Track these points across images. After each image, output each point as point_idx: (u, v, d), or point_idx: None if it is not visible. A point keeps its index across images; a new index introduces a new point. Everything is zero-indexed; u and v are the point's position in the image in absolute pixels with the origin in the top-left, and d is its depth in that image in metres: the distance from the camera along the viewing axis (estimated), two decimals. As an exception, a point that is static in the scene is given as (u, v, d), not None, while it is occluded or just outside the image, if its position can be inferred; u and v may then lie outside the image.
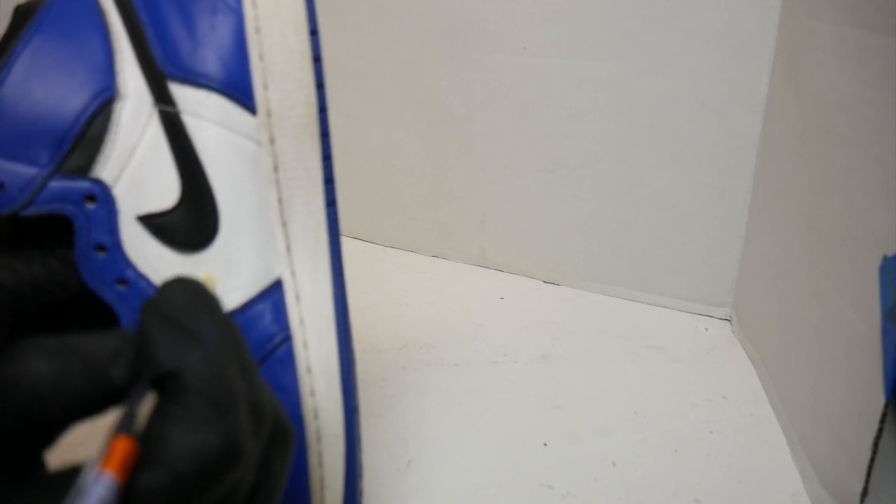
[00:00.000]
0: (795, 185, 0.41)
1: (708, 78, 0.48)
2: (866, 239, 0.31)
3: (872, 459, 0.30)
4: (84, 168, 0.26)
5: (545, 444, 0.39)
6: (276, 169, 0.28)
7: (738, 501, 0.35)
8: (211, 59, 0.27)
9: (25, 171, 0.26)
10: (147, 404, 0.17)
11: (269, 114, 0.27)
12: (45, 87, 0.26)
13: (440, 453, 0.38)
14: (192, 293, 0.20)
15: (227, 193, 0.27)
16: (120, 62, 0.27)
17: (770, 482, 0.37)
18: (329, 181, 0.29)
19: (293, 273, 0.28)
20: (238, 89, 0.27)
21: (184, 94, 0.27)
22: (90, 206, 0.26)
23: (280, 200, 0.28)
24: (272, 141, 0.27)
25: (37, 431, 0.17)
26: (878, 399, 0.29)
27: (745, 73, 0.47)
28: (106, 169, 0.26)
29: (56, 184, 0.26)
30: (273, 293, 0.28)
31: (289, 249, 0.28)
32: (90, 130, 0.26)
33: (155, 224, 0.27)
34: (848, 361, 0.32)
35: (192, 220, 0.27)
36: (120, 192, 0.26)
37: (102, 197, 0.26)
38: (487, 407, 0.42)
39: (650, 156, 0.52)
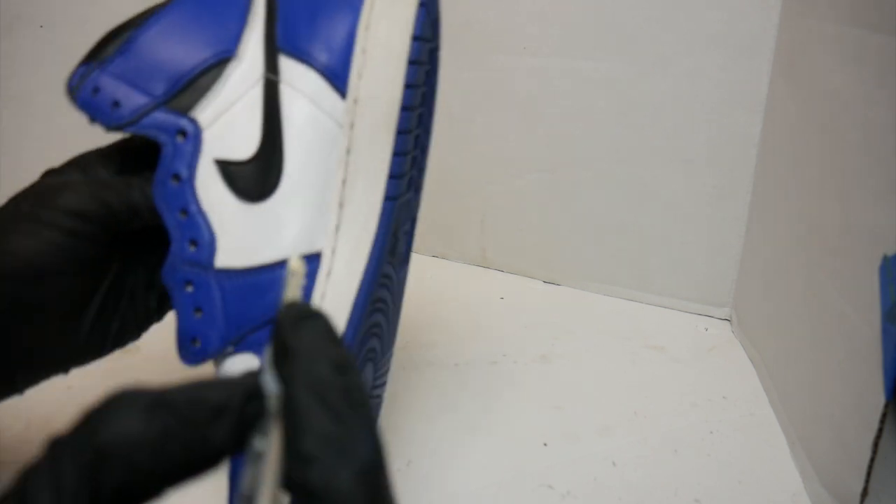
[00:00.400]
0: (795, 184, 0.41)
1: (708, 78, 0.48)
2: (866, 239, 0.31)
3: (872, 459, 0.30)
4: (186, 108, 0.30)
5: (545, 444, 0.39)
6: (348, 152, 0.30)
7: (738, 501, 0.35)
8: (321, 44, 0.31)
9: (141, 98, 0.30)
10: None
11: (356, 101, 0.30)
12: (182, 39, 0.31)
13: (440, 453, 0.38)
14: (351, 379, 0.17)
15: (296, 160, 0.30)
16: (248, 34, 0.31)
17: (770, 482, 0.37)
18: (395, 176, 0.31)
19: (333, 251, 0.30)
20: (336, 74, 0.30)
21: (289, 67, 0.31)
22: (180, 139, 0.30)
23: (343, 182, 0.30)
24: (352, 126, 0.30)
25: (132, 501, 0.15)
26: (878, 399, 0.29)
27: (746, 73, 0.47)
28: (204, 113, 0.30)
29: (160, 115, 0.30)
30: (309, 263, 0.30)
31: (337, 229, 0.30)
32: (202, 80, 0.31)
33: (227, 170, 0.30)
34: (848, 361, 0.32)
35: (258, 175, 0.30)
36: (208, 136, 0.30)
37: (193, 135, 0.30)
38: (487, 407, 0.42)
39: (650, 156, 0.52)
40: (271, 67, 0.31)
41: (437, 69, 0.35)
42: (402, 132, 0.31)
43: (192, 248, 0.30)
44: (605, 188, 0.54)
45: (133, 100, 0.30)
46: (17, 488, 0.15)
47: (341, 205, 0.31)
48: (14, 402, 0.40)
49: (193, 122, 0.30)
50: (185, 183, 0.30)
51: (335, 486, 0.15)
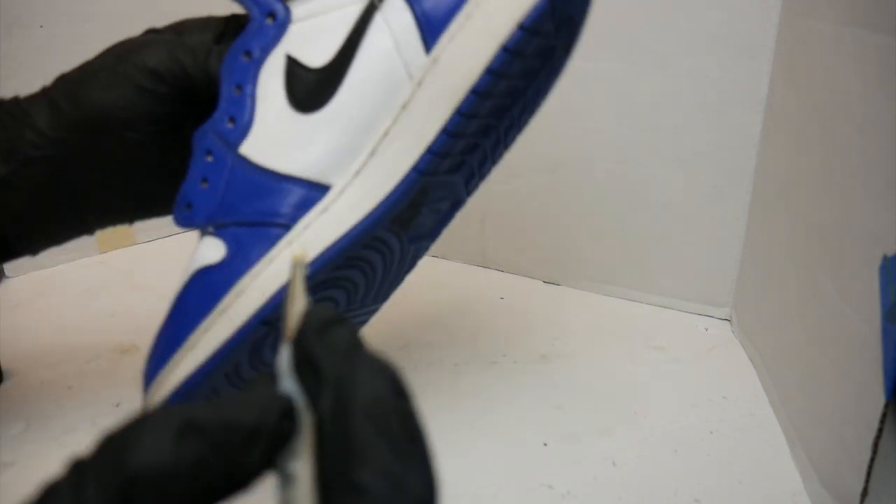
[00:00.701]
0: (795, 184, 0.41)
1: (708, 78, 0.48)
2: (866, 238, 0.31)
3: (872, 459, 0.30)
4: None
5: (545, 444, 0.39)
6: (403, 107, 0.30)
7: (738, 501, 0.35)
8: None
9: None
10: None
11: (435, 61, 0.30)
12: None
13: (440, 453, 0.38)
14: (400, 392, 0.16)
15: (353, 91, 0.30)
16: None
17: (770, 482, 0.37)
18: (434, 153, 0.31)
19: (341, 192, 0.30)
20: (431, 25, 0.30)
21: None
22: (269, 21, 0.31)
23: (385, 133, 0.30)
24: (420, 84, 0.30)
25: None
26: (879, 399, 0.29)
27: (746, 73, 0.47)
28: (300, 8, 0.31)
29: None
30: (312, 189, 0.30)
31: (357, 174, 0.30)
32: None
33: (292, 70, 0.31)
34: (848, 361, 0.32)
35: (314, 88, 0.30)
36: (293, 30, 0.31)
37: (281, 22, 0.31)
38: (487, 407, 0.42)
39: (650, 156, 0.52)
40: None
41: (555, 70, 0.34)
42: (462, 113, 0.30)
43: (228, 125, 0.31)
44: (605, 188, 0.54)
45: None
46: None
47: (372, 153, 0.30)
48: (14, 402, 0.40)
49: (287, 11, 0.31)
50: (253, 63, 0.31)
51: None
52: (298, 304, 0.18)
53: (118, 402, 0.41)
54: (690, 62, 0.48)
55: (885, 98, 0.30)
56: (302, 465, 0.15)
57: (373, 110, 0.30)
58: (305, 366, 0.16)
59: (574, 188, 0.55)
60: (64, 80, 0.33)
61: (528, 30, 0.29)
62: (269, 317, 0.30)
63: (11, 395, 0.41)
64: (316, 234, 0.30)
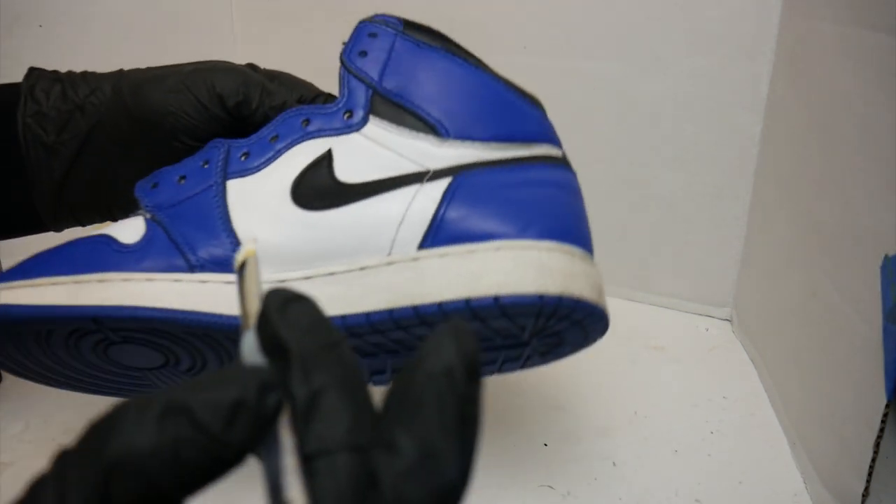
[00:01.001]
0: (796, 184, 0.41)
1: (708, 78, 0.48)
2: (867, 238, 0.31)
3: (874, 460, 0.30)
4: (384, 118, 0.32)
5: (545, 445, 0.39)
6: (362, 269, 0.30)
7: (738, 502, 0.35)
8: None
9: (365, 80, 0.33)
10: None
11: (415, 260, 0.29)
12: (478, 107, 0.33)
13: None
14: (473, 373, 0.16)
15: (343, 221, 0.30)
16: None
17: (771, 482, 0.36)
18: (349, 323, 0.30)
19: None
20: (439, 232, 0.29)
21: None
22: (345, 115, 0.32)
23: (332, 272, 0.30)
24: (388, 265, 0.29)
25: None
26: (880, 399, 0.29)
27: (746, 73, 0.47)
28: (376, 128, 0.31)
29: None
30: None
31: (291, 281, 0.30)
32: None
33: (321, 163, 0.31)
34: (849, 361, 0.32)
35: (321, 193, 0.30)
36: (354, 137, 0.31)
37: (352, 123, 0.32)
38: (487, 407, 0.42)
39: (650, 156, 0.52)
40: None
41: (515, 362, 0.34)
42: (375, 321, 0.29)
43: (241, 157, 0.31)
44: (605, 188, 0.54)
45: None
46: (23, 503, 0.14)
47: (310, 278, 0.30)
48: (13, 402, 0.40)
49: (364, 121, 0.31)
50: (303, 132, 0.31)
51: (406, 498, 0.14)
52: (254, 293, 0.18)
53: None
54: (690, 62, 0.48)
55: (885, 98, 0.30)
56: (280, 442, 0.15)
57: (343, 245, 0.30)
58: (272, 347, 0.16)
59: (574, 188, 0.55)
60: (133, 72, 0.34)
61: (503, 307, 0.28)
62: (105, 319, 0.29)
63: (11, 396, 0.41)
64: (196, 297, 0.29)
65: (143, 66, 0.35)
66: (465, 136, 0.31)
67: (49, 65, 0.34)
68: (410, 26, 0.34)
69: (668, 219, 0.53)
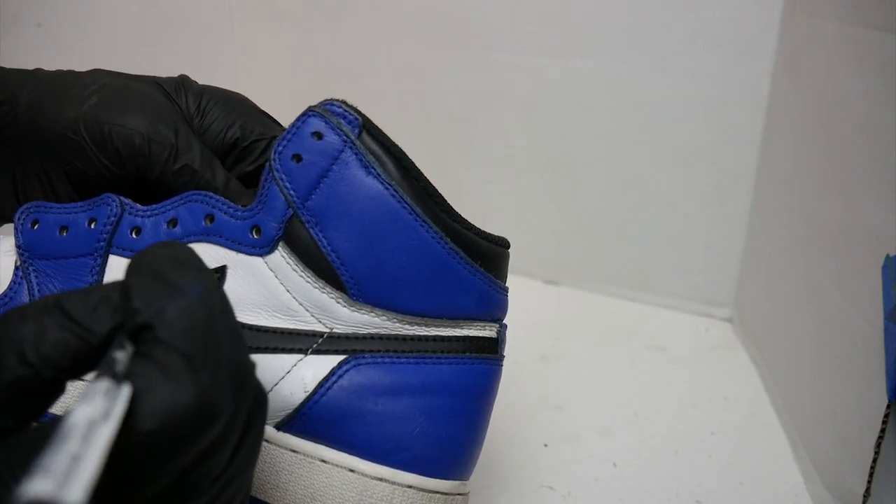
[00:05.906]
0: (797, 184, 0.41)
1: (709, 77, 0.48)
2: (868, 238, 0.31)
3: (875, 460, 0.30)
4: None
5: (546, 445, 0.39)
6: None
7: (739, 502, 0.35)
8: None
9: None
10: (127, 355, 0.17)
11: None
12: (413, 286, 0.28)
13: (440, 454, 0.38)
14: (180, 250, 0.19)
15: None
16: None
17: (772, 483, 0.36)
18: None
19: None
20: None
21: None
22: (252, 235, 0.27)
23: None
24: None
25: (30, 395, 0.17)
26: (881, 400, 0.29)
27: (747, 73, 0.47)
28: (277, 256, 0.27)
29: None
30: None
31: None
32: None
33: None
34: (850, 362, 0.32)
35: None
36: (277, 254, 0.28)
37: (258, 242, 0.28)
38: (487, 407, 0.42)
39: (650, 156, 0.52)
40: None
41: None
42: None
43: (132, 233, 0.28)
44: (605, 188, 0.54)
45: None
46: None
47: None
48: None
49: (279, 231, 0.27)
50: (200, 225, 0.27)
51: (163, 318, 0.17)
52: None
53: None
54: (691, 61, 0.48)
55: (887, 97, 0.30)
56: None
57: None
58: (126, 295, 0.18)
59: (574, 188, 0.55)
60: (39, 81, 0.31)
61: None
62: None
63: (10, 396, 0.41)
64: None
65: (142, 65, 0.34)
66: (380, 303, 0.27)
67: (47, 64, 0.34)
68: (370, 131, 0.28)
69: (669, 218, 0.53)
